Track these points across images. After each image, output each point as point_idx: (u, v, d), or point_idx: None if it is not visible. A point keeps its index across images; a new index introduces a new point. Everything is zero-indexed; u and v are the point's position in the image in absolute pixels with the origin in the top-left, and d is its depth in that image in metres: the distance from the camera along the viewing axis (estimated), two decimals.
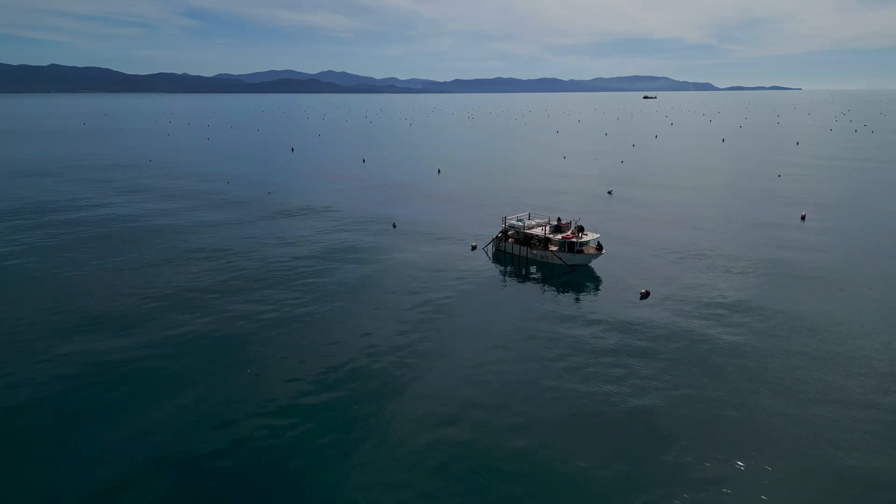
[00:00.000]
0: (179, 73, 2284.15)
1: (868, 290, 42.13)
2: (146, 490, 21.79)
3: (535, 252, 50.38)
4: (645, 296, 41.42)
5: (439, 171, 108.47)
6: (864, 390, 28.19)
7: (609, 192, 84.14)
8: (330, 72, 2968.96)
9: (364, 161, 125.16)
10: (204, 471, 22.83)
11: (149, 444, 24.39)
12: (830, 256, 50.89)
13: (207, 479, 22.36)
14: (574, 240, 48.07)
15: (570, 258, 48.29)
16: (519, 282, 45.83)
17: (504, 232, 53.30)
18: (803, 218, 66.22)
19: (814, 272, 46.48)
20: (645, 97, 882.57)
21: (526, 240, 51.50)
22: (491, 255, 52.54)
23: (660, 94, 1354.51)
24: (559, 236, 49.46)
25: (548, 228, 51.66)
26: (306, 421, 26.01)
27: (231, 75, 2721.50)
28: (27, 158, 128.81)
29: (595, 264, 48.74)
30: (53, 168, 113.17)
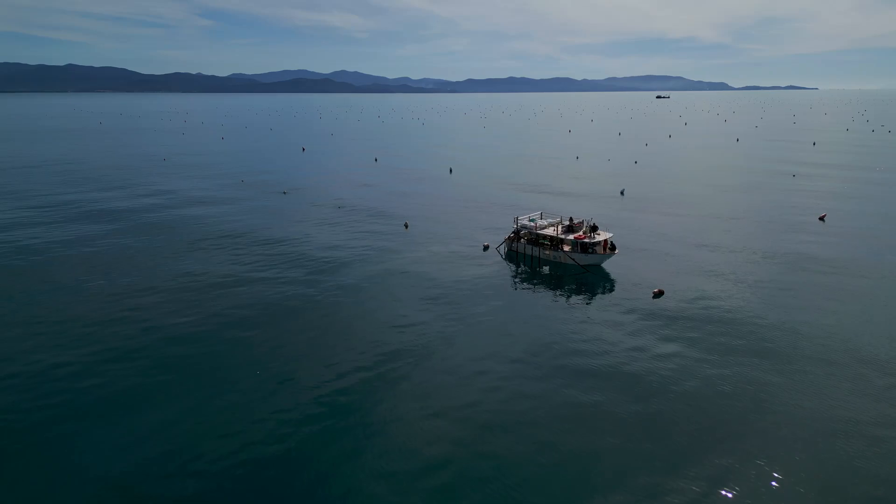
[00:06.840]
0: (194, 73, 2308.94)
1: (891, 291, 41.58)
2: (149, 494, 22.05)
3: (547, 252, 50.31)
4: (658, 295, 41.24)
5: (451, 171, 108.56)
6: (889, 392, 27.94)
7: (622, 193, 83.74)
8: (343, 71, 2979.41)
9: (376, 160, 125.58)
10: (208, 474, 22.93)
11: (152, 446, 24.50)
12: (850, 257, 50.24)
13: (210, 482, 22.51)
14: (587, 240, 47.95)
15: (582, 258, 48.16)
16: (531, 282, 45.79)
17: (516, 232, 53.26)
18: (822, 219, 65.38)
19: (833, 272, 45.95)
20: (658, 97, 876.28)
21: (538, 240, 51.45)
22: (504, 255, 52.55)
23: (674, 93, 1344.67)
24: (572, 236, 49.36)
25: (560, 228, 51.58)
26: (314, 423, 26.10)
27: (245, 75, 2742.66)
28: (42, 156, 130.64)
29: (608, 264, 48.57)
30: (68, 166, 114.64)
